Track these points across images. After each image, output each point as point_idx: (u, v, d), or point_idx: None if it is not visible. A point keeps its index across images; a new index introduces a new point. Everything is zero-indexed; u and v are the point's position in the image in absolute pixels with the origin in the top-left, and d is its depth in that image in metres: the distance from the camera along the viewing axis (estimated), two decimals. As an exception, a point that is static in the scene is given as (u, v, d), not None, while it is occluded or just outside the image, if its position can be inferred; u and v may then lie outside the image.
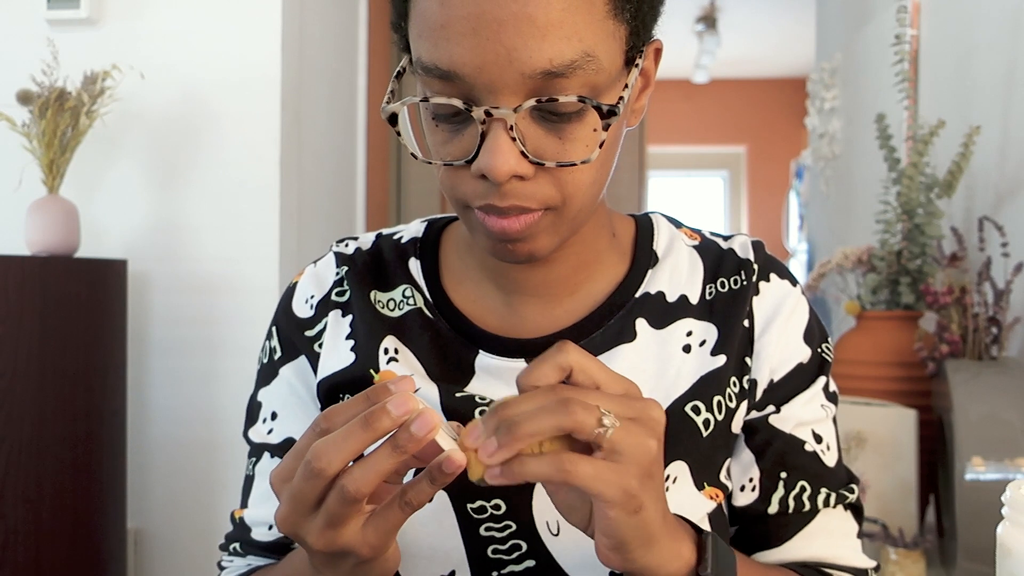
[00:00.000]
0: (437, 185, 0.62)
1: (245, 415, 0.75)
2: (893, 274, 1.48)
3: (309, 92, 2.20)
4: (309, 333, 0.72)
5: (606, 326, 0.67)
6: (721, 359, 0.67)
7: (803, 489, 0.67)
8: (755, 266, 0.70)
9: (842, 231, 2.80)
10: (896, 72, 1.64)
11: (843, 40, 2.86)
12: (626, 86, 0.58)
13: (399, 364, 0.68)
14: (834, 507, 0.68)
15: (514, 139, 0.54)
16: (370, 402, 0.49)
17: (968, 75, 1.64)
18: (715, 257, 0.71)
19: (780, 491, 0.67)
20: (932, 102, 1.82)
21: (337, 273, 0.73)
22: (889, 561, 1.16)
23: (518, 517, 0.64)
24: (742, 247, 0.72)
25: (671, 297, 0.69)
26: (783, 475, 0.67)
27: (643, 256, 0.71)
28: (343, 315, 0.72)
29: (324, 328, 0.71)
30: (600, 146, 0.56)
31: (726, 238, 0.74)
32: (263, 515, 0.71)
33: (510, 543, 0.64)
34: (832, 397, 0.71)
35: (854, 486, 0.70)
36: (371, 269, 0.73)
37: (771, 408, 0.68)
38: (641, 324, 0.68)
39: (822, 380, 0.70)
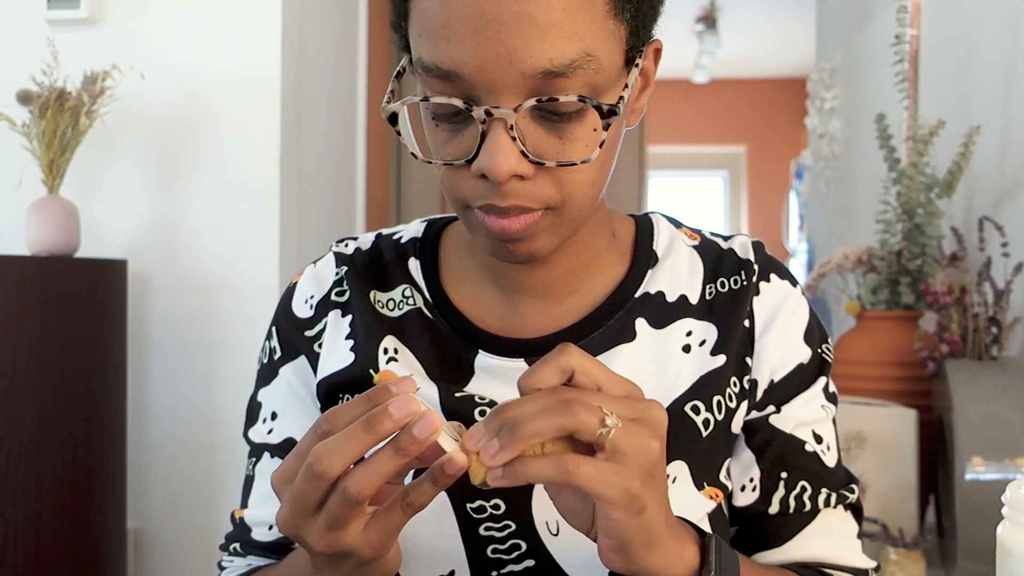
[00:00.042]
0: (437, 185, 0.62)
1: (245, 415, 0.75)
2: (893, 274, 1.48)
3: (309, 92, 2.19)
4: (309, 333, 0.72)
5: (606, 326, 0.67)
6: (721, 359, 0.67)
7: (803, 489, 0.67)
8: (755, 266, 0.70)
9: (842, 231, 2.80)
10: (896, 72, 1.64)
11: (843, 40, 2.86)
12: (626, 86, 0.58)
13: (399, 364, 0.68)
14: (834, 507, 0.68)
15: (514, 139, 0.54)
16: (371, 404, 0.49)
17: (968, 75, 1.64)
18: (715, 257, 0.71)
19: (780, 491, 0.67)
20: (932, 102, 1.82)
21: (337, 273, 0.73)
22: (889, 561, 1.16)
23: (518, 517, 0.64)
24: (742, 247, 0.72)
25: (671, 297, 0.69)
26: (783, 475, 0.67)
27: (643, 256, 0.71)
28: (343, 315, 0.72)
29: (324, 328, 0.71)
30: (600, 146, 0.56)
31: (726, 238, 0.74)
32: (263, 515, 0.71)
33: (510, 543, 0.64)
34: (832, 398, 0.71)
35: (854, 486, 0.70)
36: (371, 269, 0.73)
37: (771, 408, 0.68)
38: (641, 324, 0.68)
39: (822, 380, 0.70)
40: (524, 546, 0.64)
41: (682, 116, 6.55)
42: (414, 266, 0.72)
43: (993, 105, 1.50)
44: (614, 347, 0.67)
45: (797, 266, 4.60)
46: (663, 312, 0.68)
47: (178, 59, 1.99)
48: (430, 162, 0.59)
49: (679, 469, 0.65)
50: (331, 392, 0.70)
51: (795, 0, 4.64)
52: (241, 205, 1.99)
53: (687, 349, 0.67)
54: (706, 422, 0.66)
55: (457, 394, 0.66)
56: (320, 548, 0.50)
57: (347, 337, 0.71)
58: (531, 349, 0.67)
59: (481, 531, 0.64)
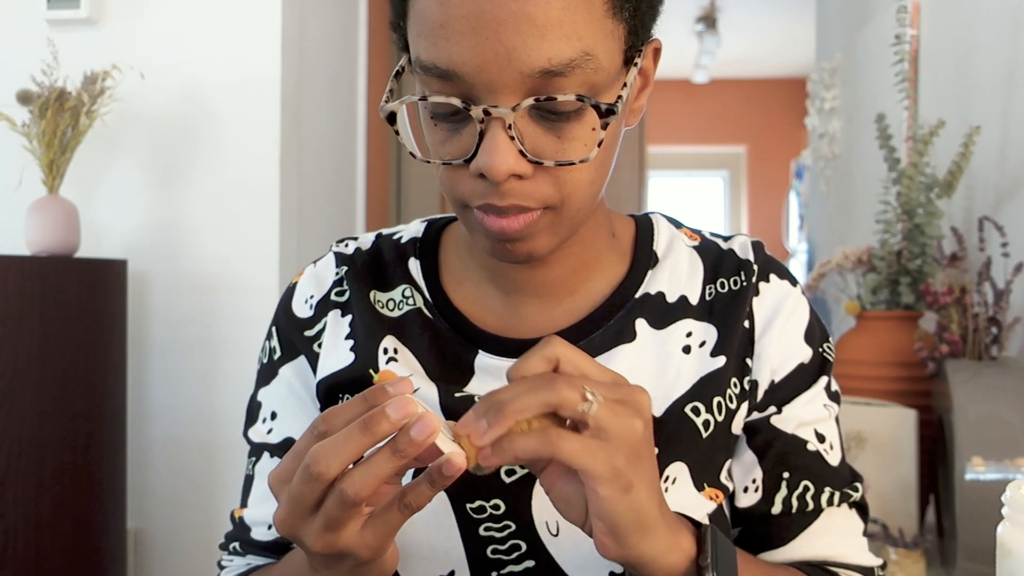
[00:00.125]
0: (437, 185, 0.62)
1: (245, 415, 0.75)
2: (893, 274, 1.48)
3: (309, 92, 2.20)
4: (308, 333, 0.72)
5: (606, 326, 0.67)
6: (721, 360, 0.67)
7: (806, 488, 0.67)
8: (755, 267, 0.70)
9: (842, 231, 2.80)
10: (896, 72, 1.64)
11: (843, 40, 2.86)
12: (625, 85, 0.58)
13: (398, 364, 0.68)
14: (838, 506, 0.68)
15: (512, 138, 0.54)
16: (368, 404, 0.49)
17: (968, 75, 1.64)
18: (715, 258, 0.71)
19: (783, 491, 0.67)
20: (932, 102, 1.82)
21: (337, 273, 0.73)
22: (889, 561, 1.15)
23: (517, 517, 0.64)
24: (742, 248, 0.72)
25: (671, 298, 0.69)
26: (785, 475, 0.67)
27: (643, 256, 0.71)
28: (342, 315, 0.72)
29: (323, 328, 0.71)
30: (599, 145, 0.56)
31: (726, 239, 0.73)
32: (263, 515, 0.71)
33: (509, 543, 0.64)
34: (835, 396, 0.71)
35: (858, 485, 0.70)
36: (371, 269, 0.73)
37: (772, 409, 0.68)
38: (641, 324, 0.68)
39: (824, 380, 0.70)
40: (524, 546, 0.64)
41: (682, 116, 6.55)
42: (414, 266, 0.72)
43: (993, 105, 1.50)
44: (614, 347, 0.67)
45: (797, 266, 4.59)
46: (663, 313, 0.68)
47: (178, 59, 1.99)
48: (429, 162, 0.59)
49: (679, 470, 0.65)
50: (331, 392, 0.70)
51: (795, 0, 4.64)
52: (241, 205, 2.00)
53: (687, 350, 0.67)
54: (706, 423, 0.66)
55: (457, 394, 0.66)
56: (317, 548, 0.50)
57: (347, 337, 0.70)
58: (531, 349, 0.67)
59: (481, 531, 0.64)
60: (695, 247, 0.72)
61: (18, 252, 1.74)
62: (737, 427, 0.67)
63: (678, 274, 0.70)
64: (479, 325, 0.69)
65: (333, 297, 0.72)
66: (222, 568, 0.75)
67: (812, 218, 3.79)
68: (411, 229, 0.75)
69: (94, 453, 1.69)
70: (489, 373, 0.67)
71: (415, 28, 0.56)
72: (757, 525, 0.68)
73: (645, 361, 0.67)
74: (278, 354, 0.73)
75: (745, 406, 0.67)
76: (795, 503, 0.67)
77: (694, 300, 0.69)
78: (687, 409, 0.66)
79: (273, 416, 0.73)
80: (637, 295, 0.69)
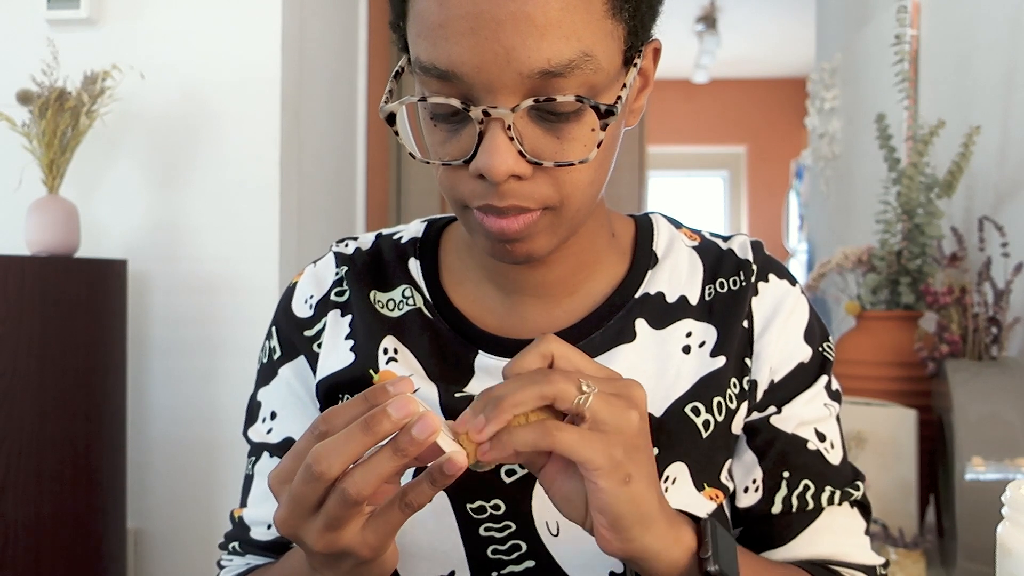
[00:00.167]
0: (437, 185, 0.62)
1: (245, 415, 0.75)
2: (893, 274, 1.48)
3: (309, 92, 2.19)
4: (308, 333, 0.72)
5: (605, 326, 0.67)
6: (720, 360, 0.67)
7: (807, 488, 0.67)
8: (754, 266, 0.70)
9: (842, 231, 2.80)
10: (896, 72, 1.64)
11: (843, 40, 2.86)
12: (624, 86, 0.58)
13: (398, 364, 0.68)
14: (839, 505, 0.68)
15: (512, 139, 0.54)
16: (369, 404, 0.49)
17: (968, 75, 1.64)
18: (715, 258, 0.71)
19: (783, 490, 0.67)
20: (932, 102, 1.82)
21: (337, 273, 0.73)
22: (889, 561, 1.16)
23: (518, 517, 0.64)
24: (741, 247, 0.72)
25: (671, 298, 0.69)
26: (786, 474, 0.67)
27: (643, 256, 0.71)
28: (342, 315, 0.72)
29: (323, 328, 0.71)
30: (598, 146, 0.56)
31: (726, 239, 0.73)
32: (262, 514, 0.71)
33: (510, 543, 0.64)
34: (835, 395, 0.71)
35: (860, 483, 0.70)
36: (371, 269, 0.73)
37: (772, 408, 0.68)
38: (641, 324, 0.68)
39: (824, 379, 0.70)
40: (524, 547, 0.64)
41: (682, 116, 6.55)
42: (414, 266, 0.72)
43: (993, 105, 1.50)
44: (614, 348, 0.67)
45: (797, 266, 4.59)
46: (663, 313, 0.68)
47: (178, 59, 1.99)
48: (428, 162, 0.59)
49: (679, 470, 0.65)
50: (330, 392, 0.70)
51: (795, 0, 4.64)
52: (241, 205, 2.00)
53: (687, 350, 0.67)
54: (706, 423, 0.66)
55: (457, 394, 0.66)
56: (318, 548, 0.50)
57: (347, 337, 0.70)
58: (531, 349, 0.67)
59: (481, 531, 0.64)
60: (695, 247, 0.72)
61: (18, 252, 1.74)
62: (737, 427, 0.67)
63: (678, 274, 0.70)
64: (479, 325, 0.69)
65: (333, 297, 0.72)
66: (221, 568, 0.75)
67: (812, 218, 3.79)
68: (411, 229, 0.75)
69: (94, 453, 1.69)
70: (489, 373, 0.67)
71: (415, 28, 0.56)
72: (758, 525, 0.68)
73: (645, 361, 0.67)
74: (278, 354, 0.73)
75: (745, 406, 0.67)
76: (795, 502, 0.67)
77: (694, 300, 0.69)
78: (687, 409, 0.66)
79: (273, 416, 0.73)
80: (637, 295, 0.69)
